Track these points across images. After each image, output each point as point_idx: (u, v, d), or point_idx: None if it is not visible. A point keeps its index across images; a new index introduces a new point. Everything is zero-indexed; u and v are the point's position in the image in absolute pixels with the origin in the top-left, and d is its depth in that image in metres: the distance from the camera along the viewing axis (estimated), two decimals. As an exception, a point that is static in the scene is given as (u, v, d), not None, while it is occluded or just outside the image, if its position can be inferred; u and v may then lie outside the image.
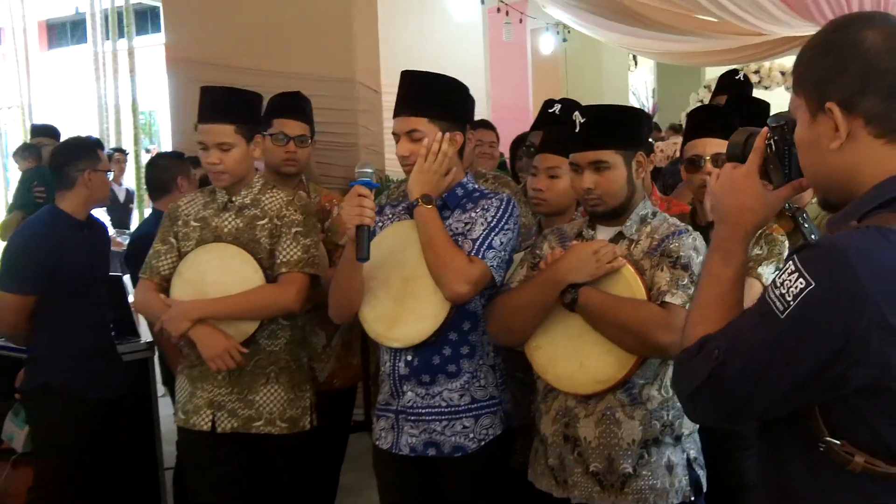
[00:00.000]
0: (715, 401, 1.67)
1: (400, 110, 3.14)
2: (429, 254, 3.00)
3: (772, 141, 1.84)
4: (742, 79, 5.52)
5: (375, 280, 3.13)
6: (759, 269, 3.07)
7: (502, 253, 3.05)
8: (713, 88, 5.79)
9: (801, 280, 1.52)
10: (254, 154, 3.60)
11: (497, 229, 3.05)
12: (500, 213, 3.08)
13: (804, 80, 1.70)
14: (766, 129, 1.86)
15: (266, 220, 3.57)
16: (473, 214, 3.10)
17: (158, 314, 3.54)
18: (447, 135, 3.08)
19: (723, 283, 1.82)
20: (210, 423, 3.56)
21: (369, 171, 3.08)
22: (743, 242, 1.86)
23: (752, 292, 1.94)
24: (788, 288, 1.54)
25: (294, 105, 4.22)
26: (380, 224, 3.20)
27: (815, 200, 2.21)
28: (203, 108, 3.57)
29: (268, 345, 3.58)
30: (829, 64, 1.64)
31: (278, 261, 3.53)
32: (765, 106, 4.32)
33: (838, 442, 1.58)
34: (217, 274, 3.51)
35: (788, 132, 1.79)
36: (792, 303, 1.53)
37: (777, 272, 1.63)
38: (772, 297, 1.57)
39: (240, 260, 3.51)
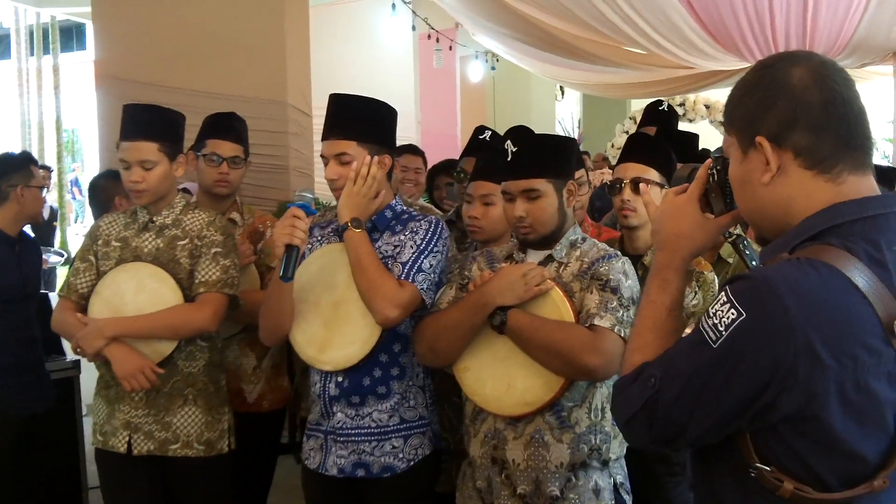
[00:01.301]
0: (650, 427, 1.71)
1: (328, 133, 3.14)
2: (359, 278, 3.01)
3: (714, 171, 1.89)
4: (666, 109, 5.60)
5: (305, 303, 3.14)
6: None
7: (432, 275, 3.07)
8: (639, 119, 5.81)
9: (732, 310, 1.57)
10: (176, 173, 3.57)
11: (426, 252, 3.07)
12: (430, 235, 3.11)
13: (734, 118, 1.76)
14: (709, 159, 1.92)
15: (187, 240, 3.54)
16: (402, 237, 3.12)
17: (74, 332, 3.47)
18: (376, 158, 3.09)
19: (660, 310, 1.88)
20: (126, 445, 3.51)
21: (309, 196, 3.10)
22: (679, 270, 1.92)
23: None
24: (721, 318, 1.59)
25: (227, 126, 4.17)
26: (309, 245, 3.21)
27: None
28: (126, 125, 3.53)
29: (185, 366, 3.54)
30: (757, 101, 1.70)
31: (196, 280, 3.50)
32: (694, 138, 4.39)
33: (768, 468, 1.62)
34: (134, 293, 3.47)
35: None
36: (724, 332, 1.57)
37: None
38: (705, 327, 1.62)
39: (157, 280, 3.48)
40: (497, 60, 12.95)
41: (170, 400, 3.52)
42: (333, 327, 3.10)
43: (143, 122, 3.52)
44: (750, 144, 1.71)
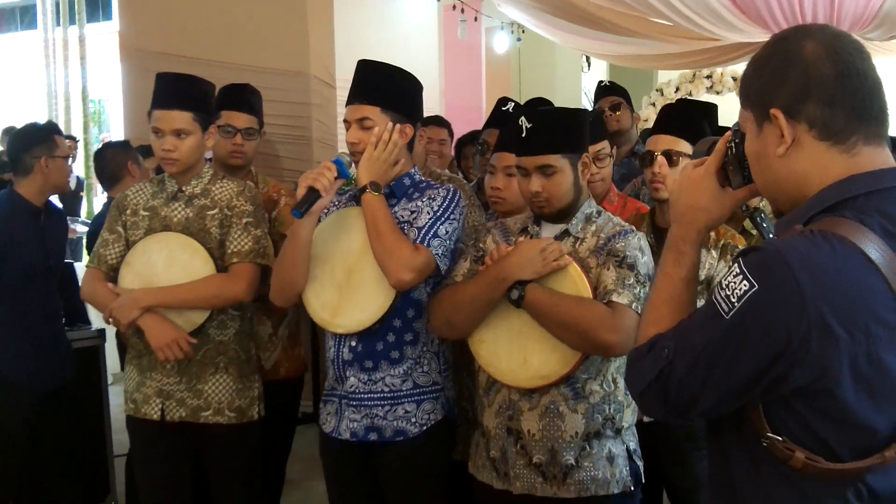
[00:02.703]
0: (664, 398, 1.72)
1: (353, 98, 3.17)
2: (374, 240, 3.03)
3: (733, 144, 1.88)
4: (609, 84, 5.66)
5: (320, 267, 3.17)
6: None
7: (447, 242, 3.09)
8: (665, 92, 5.82)
9: (745, 282, 1.57)
10: (207, 143, 3.59)
11: (443, 218, 3.09)
12: (447, 202, 3.13)
13: (749, 93, 1.76)
14: (728, 132, 1.91)
15: (216, 210, 3.56)
16: (419, 203, 3.14)
17: (106, 303, 3.50)
18: (398, 126, 3.11)
19: (675, 283, 1.88)
20: (159, 413, 3.55)
21: (348, 159, 3.15)
22: (695, 242, 1.91)
23: None
24: (734, 289, 1.59)
25: (242, 98, 4.20)
26: (325, 211, 3.23)
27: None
28: (159, 94, 3.53)
29: (217, 335, 3.58)
30: (771, 74, 1.70)
31: (229, 251, 3.52)
32: (712, 108, 4.34)
33: (780, 438, 1.62)
34: (166, 264, 3.49)
35: None
36: (737, 304, 1.58)
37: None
38: (718, 299, 1.62)
39: (189, 250, 3.50)
40: (523, 32, 12.85)
41: (201, 368, 3.56)
42: (347, 292, 3.13)
43: (178, 91, 3.53)
44: (765, 118, 1.71)
